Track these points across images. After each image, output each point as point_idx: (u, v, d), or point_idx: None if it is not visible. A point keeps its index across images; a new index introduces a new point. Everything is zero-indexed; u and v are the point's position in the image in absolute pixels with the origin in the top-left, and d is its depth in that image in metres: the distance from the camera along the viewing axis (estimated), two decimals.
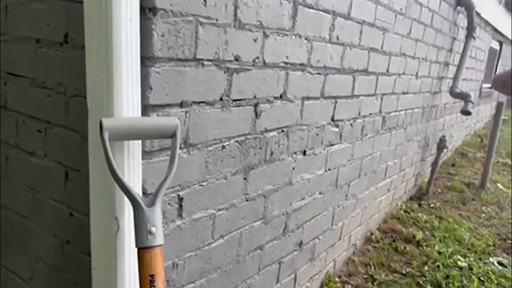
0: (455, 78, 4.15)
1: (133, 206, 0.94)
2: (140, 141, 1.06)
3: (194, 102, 1.26)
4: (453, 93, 4.15)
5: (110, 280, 1.05)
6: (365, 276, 2.68)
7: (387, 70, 2.61)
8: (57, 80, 1.27)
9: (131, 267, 1.05)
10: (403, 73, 2.90)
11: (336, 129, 2.15)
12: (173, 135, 1.03)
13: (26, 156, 1.43)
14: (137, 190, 1.04)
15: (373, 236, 3.20)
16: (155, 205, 0.95)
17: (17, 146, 1.46)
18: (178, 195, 1.29)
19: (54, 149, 1.33)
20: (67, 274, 1.36)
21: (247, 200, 1.61)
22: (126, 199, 1.01)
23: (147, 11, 1.06)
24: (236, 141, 1.48)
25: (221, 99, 1.36)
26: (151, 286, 0.91)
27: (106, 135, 0.92)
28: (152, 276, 0.91)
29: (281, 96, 1.64)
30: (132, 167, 1.02)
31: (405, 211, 3.75)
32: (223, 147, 1.43)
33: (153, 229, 0.93)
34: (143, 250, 0.93)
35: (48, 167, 1.35)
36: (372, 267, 2.78)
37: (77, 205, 1.29)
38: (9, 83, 1.44)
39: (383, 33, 2.41)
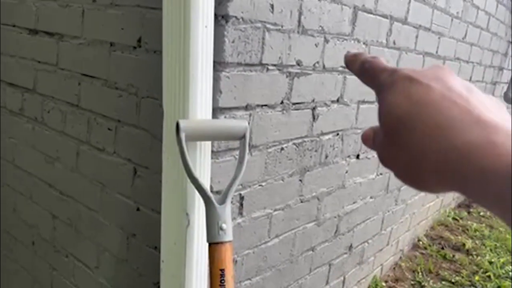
0: (511, 82, 4.01)
1: (205, 203, 0.99)
2: (210, 142, 1.11)
3: (257, 105, 1.31)
4: (507, 98, 4.01)
5: (179, 272, 1.11)
6: (412, 282, 2.65)
7: None
8: (129, 81, 1.35)
9: (199, 261, 1.11)
10: None
11: None
12: (242, 137, 1.07)
13: (96, 152, 1.52)
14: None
15: (420, 243, 3.15)
16: (225, 202, 1.00)
17: (87, 142, 1.55)
18: (240, 194, 1.34)
19: (124, 146, 1.41)
20: (132, 265, 1.44)
21: (301, 202, 1.64)
22: (196, 196, 1.07)
23: (220, 18, 1.11)
24: (294, 144, 1.52)
25: (282, 102, 1.40)
26: (221, 280, 0.95)
27: (183, 136, 0.97)
28: (222, 270, 0.96)
29: (337, 100, 1.67)
30: (203, 166, 1.07)
31: (454, 218, 3.66)
32: (282, 149, 1.47)
33: (224, 225, 0.98)
34: (214, 245, 0.97)
35: (117, 163, 1.43)
36: (420, 273, 2.74)
37: (144, 200, 1.36)
38: (82, 83, 1.53)
39: (439, 37, 2.38)
